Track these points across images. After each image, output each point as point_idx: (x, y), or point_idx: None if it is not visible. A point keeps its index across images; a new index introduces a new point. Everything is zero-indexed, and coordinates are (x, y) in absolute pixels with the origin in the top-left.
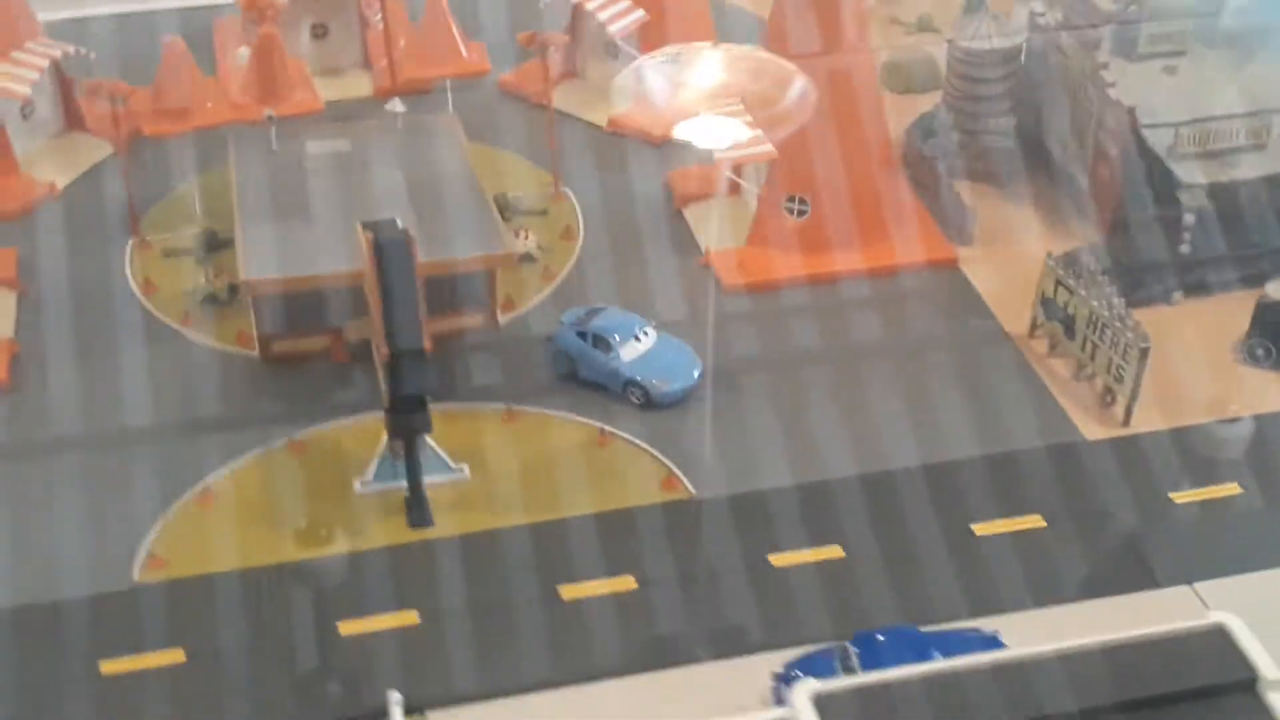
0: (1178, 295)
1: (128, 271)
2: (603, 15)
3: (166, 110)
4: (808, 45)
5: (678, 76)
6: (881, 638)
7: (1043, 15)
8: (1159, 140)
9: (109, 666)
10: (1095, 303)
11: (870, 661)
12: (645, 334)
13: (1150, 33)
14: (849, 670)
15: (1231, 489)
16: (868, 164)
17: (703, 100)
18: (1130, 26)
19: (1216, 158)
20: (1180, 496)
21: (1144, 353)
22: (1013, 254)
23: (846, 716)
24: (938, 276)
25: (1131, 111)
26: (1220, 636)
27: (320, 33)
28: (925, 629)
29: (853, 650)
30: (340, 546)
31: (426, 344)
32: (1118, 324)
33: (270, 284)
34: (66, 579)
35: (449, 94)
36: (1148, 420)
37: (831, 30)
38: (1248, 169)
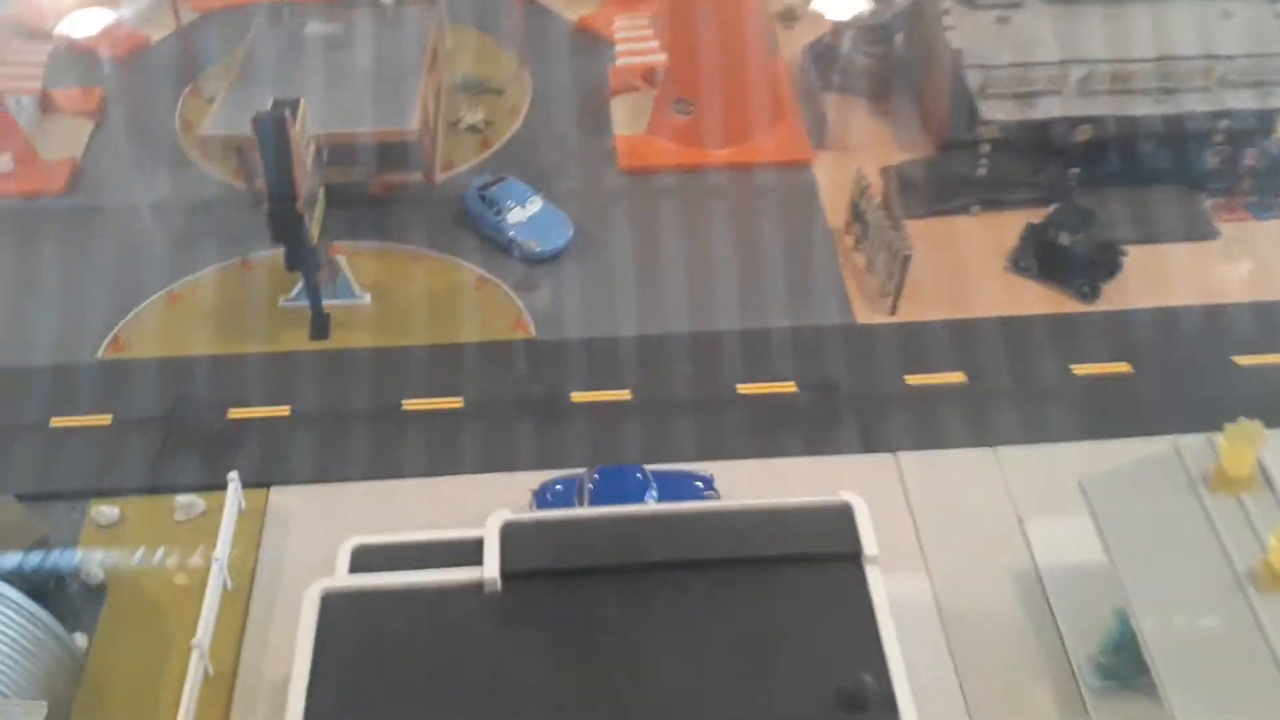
0: (976, 209)
1: (176, 112)
2: None
3: None
4: None
5: None
6: (614, 473)
7: None
8: (974, 80)
9: (57, 421)
10: (880, 214)
11: (601, 489)
12: (531, 202)
13: None
14: (581, 495)
15: (958, 377)
16: (747, 75)
17: None
18: None
19: (1019, 99)
20: (912, 379)
21: (906, 260)
22: (856, 160)
23: (524, 542)
24: (791, 174)
25: (958, 53)
26: (844, 513)
27: None
28: (657, 467)
29: (589, 480)
30: (253, 348)
31: (298, 205)
32: (892, 234)
33: (218, 140)
34: (49, 350)
35: None
36: (913, 312)
37: None
38: (1042, 110)
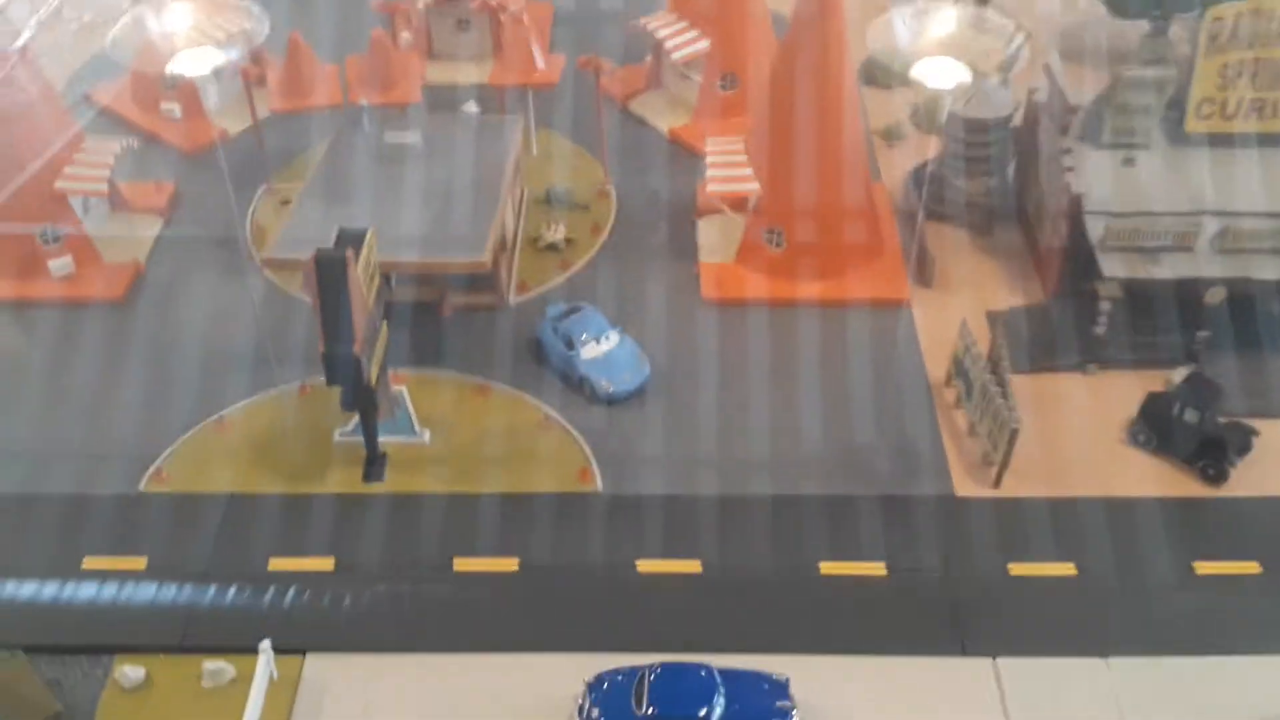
0: (1093, 367)
1: (249, 214)
2: (670, 43)
3: (289, 91)
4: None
5: (918, 26)
6: (677, 672)
7: (1037, 91)
8: (1095, 229)
9: (90, 562)
10: (986, 376)
11: (658, 691)
12: (607, 338)
13: (1115, 124)
14: (639, 694)
15: (1067, 569)
16: (844, 205)
17: (936, 45)
18: (1098, 115)
19: (1144, 254)
20: (1017, 569)
21: (1013, 434)
22: (961, 303)
23: None
24: (888, 314)
25: (1078, 198)
26: None
27: (464, 26)
28: (727, 663)
29: (649, 676)
30: (302, 487)
31: (355, 348)
32: (999, 401)
33: (279, 262)
34: (91, 478)
35: (530, 97)
36: (1019, 484)
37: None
38: (1169, 269)
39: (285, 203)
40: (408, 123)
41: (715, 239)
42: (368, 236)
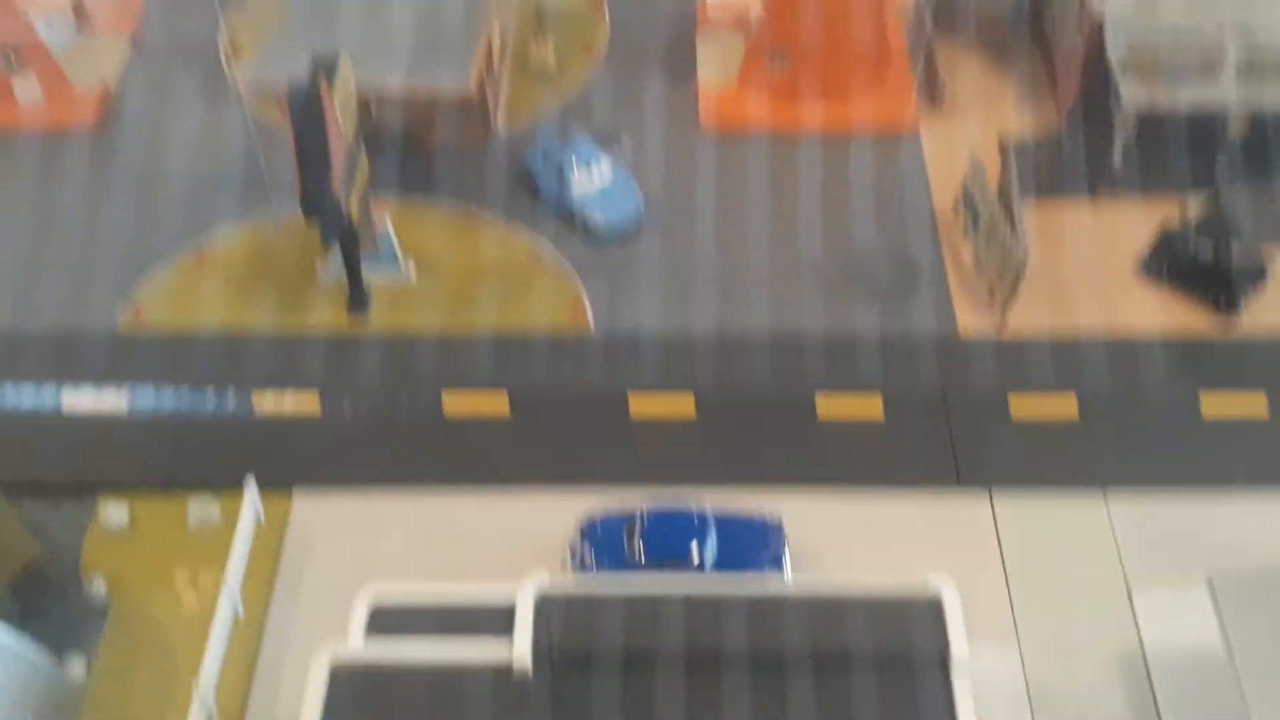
0: (1106, 195)
1: (221, 33)
2: None
3: None
4: None
5: None
6: (670, 513)
7: None
8: (1116, 50)
9: (71, 398)
10: (995, 208)
11: (651, 533)
12: (600, 168)
13: None
14: (630, 537)
15: (1069, 401)
16: (851, 18)
17: None
18: None
19: (1167, 77)
20: (1017, 401)
21: (1021, 266)
22: (972, 127)
23: (560, 619)
24: (894, 141)
25: (1100, 17)
26: (934, 608)
27: None
28: (720, 506)
29: (641, 519)
30: (286, 320)
31: (333, 183)
32: (1008, 235)
33: (255, 90)
34: (69, 313)
35: None
36: (1025, 318)
37: None
38: (1194, 95)
39: (261, 25)
40: None
41: (716, 59)
42: (342, 64)
